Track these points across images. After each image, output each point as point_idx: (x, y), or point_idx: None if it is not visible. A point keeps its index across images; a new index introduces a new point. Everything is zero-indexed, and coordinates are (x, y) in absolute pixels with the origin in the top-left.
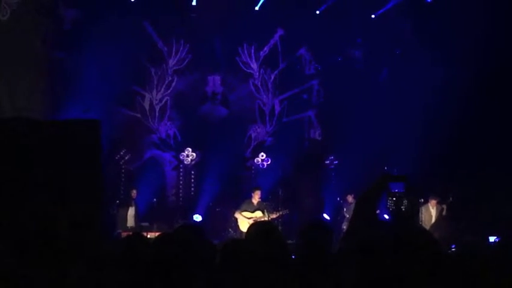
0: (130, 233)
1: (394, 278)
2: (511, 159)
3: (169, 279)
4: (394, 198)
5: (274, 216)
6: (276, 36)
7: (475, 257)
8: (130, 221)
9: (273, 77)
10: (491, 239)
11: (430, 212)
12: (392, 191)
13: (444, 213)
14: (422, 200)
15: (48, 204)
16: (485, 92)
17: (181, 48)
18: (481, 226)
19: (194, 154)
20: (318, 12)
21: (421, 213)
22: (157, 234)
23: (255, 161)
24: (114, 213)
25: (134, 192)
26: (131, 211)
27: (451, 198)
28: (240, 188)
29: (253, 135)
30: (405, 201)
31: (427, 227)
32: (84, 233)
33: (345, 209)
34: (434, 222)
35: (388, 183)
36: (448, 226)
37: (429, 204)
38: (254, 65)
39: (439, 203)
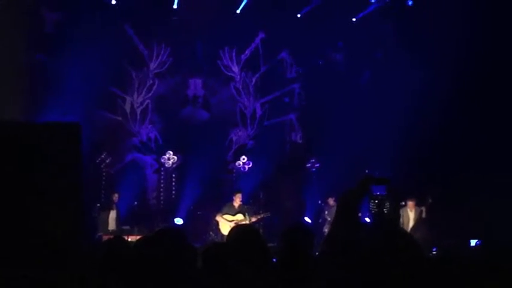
0: (112, 236)
1: (375, 281)
2: (491, 161)
3: (150, 283)
4: (376, 201)
5: (255, 219)
6: (257, 40)
7: (457, 260)
8: (112, 224)
9: (254, 80)
10: (473, 242)
11: (409, 215)
12: (374, 193)
13: (424, 215)
14: (403, 202)
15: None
16: (466, 95)
17: (162, 52)
18: (462, 229)
19: (175, 157)
20: (299, 15)
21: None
22: (138, 237)
23: (236, 164)
24: (95, 217)
25: (116, 196)
26: (112, 214)
27: (430, 200)
28: (221, 191)
29: (234, 139)
30: (387, 204)
31: (406, 230)
32: (65, 235)
33: (326, 212)
34: (413, 225)
35: (370, 186)
36: (427, 229)
37: (407, 206)
38: (235, 68)
39: (417, 205)
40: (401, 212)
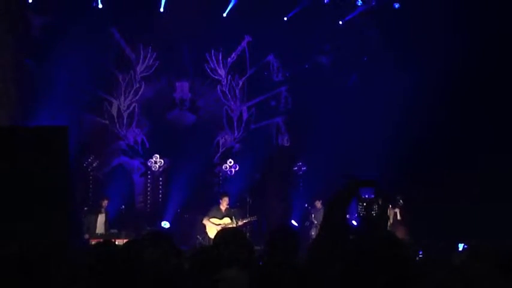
0: (100, 240)
1: (364, 284)
2: (479, 162)
3: (137, 286)
4: (364, 204)
5: (242, 223)
6: (244, 43)
7: (445, 264)
8: (100, 228)
9: (240, 84)
10: (460, 246)
11: None
12: (362, 196)
13: (398, 217)
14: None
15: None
16: (453, 96)
17: (148, 55)
18: (448, 231)
19: (162, 161)
20: (285, 18)
21: None
22: (125, 241)
23: (223, 167)
24: (83, 220)
25: (105, 202)
26: (101, 218)
27: (400, 201)
28: (208, 195)
29: (221, 142)
30: (375, 207)
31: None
32: (53, 238)
33: (313, 215)
34: (388, 227)
35: (357, 189)
36: (404, 230)
37: None
38: (222, 72)
39: (391, 207)
40: None
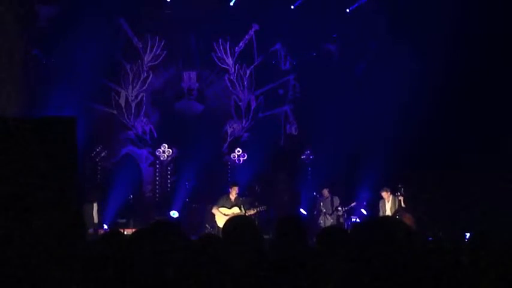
0: (107, 231)
1: (374, 272)
2: (485, 154)
3: (145, 276)
4: None
5: (251, 212)
6: (251, 32)
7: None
8: (95, 218)
9: (248, 73)
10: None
11: (385, 205)
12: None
13: (403, 205)
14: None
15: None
16: (460, 85)
17: (156, 44)
18: (456, 221)
19: (170, 150)
20: (292, 7)
21: (380, 207)
22: (133, 230)
23: (231, 156)
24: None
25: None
26: (95, 207)
27: (402, 190)
28: (216, 184)
29: (229, 131)
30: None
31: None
32: (63, 231)
33: (321, 204)
34: (392, 214)
35: None
36: (409, 218)
37: (384, 198)
38: (229, 61)
39: (392, 194)
40: (380, 203)
